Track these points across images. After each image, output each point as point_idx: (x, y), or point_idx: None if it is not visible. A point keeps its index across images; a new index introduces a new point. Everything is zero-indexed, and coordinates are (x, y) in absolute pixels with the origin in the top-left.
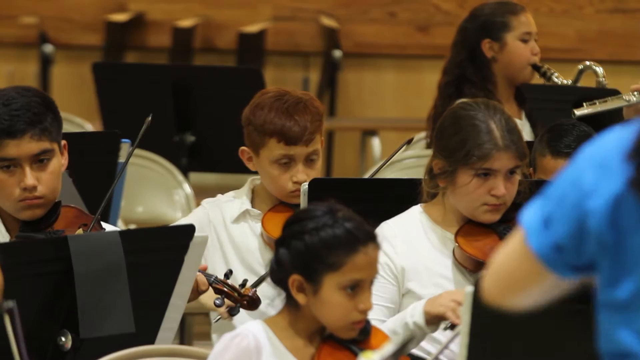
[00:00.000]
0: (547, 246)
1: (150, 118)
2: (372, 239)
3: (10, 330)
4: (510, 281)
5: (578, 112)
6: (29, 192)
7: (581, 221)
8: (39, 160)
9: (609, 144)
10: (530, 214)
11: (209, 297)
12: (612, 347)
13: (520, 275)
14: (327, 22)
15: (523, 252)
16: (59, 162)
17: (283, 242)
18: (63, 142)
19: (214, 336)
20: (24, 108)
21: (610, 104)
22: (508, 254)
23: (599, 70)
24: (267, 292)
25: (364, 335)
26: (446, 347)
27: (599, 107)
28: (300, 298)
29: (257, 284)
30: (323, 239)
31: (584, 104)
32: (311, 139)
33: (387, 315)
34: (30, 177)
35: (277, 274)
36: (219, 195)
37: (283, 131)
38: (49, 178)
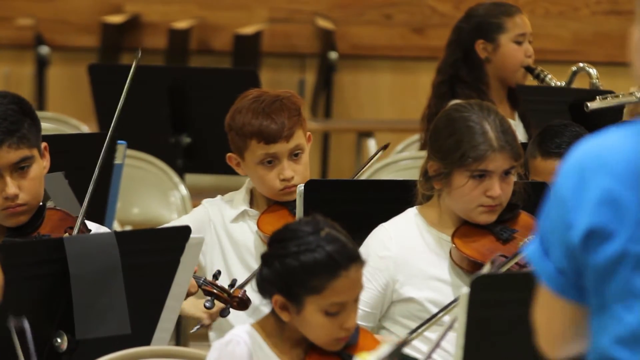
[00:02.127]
0: (553, 274)
1: (140, 53)
2: (354, 260)
3: (19, 348)
4: (551, 331)
5: (591, 105)
6: (11, 200)
7: (567, 239)
8: (20, 167)
9: (586, 152)
10: (532, 247)
11: (190, 306)
12: (594, 353)
13: (554, 320)
14: (323, 23)
15: (545, 295)
16: (40, 166)
17: (267, 260)
18: (43, 144)
19: (211, 334)
20: (0, 118)
21: (622, 100)
22: (539, 306)
23: (593, 71)
24: None
25: (352, 342)
26: (438, 345)
27: (611, 102)
28: (284, 316)
29: (244, 284)
30: (303, 264)
31: (597, 97)
32: (291, 135)
33: (365, 320)
34: (11, 186)
35: (262, 289)
36: (219, 196)
37: (261, 130)
38: (31, 184)
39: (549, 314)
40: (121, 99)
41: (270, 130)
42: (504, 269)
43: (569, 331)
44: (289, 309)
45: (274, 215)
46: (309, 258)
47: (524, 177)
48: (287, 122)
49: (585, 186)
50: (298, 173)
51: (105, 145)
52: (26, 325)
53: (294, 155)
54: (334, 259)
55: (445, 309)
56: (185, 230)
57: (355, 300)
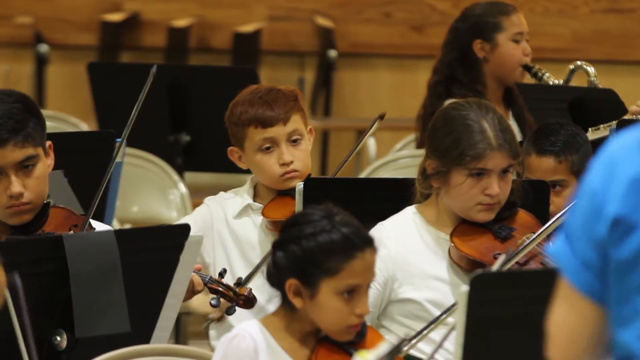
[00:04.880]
0: (578, 269)
1: (154, 69)
2: (369, 243)
3: (12, 306)
4: (568, 335)
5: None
6: (15, 199)
7: (595, 231)
8: (24, 166)
9: (617, 144)
10: (557, 244)
11: (198, 303)
12: (617, 349)
13: (574, 321)
14: (322, 22)
15: (567, 293)
16: (45, 165)
17: (280, 245)
18: (48, 142)
19: (211, 332)
20: (6, 116)
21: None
22: (558, 307)
23: (591, 70)
24: (267, 287)
25: (360, 337)
26: (441, 346)
27: (603, 132)
28: (296, 302)
29: (249, 277)
30: (320, 245)
31: (590, 129)
32: (287, 118)
33: None
34: (16, 184)
35: (274, 276)
36: (221, 193)
37: (257, 116)
38: (36, 183)
39: (568, 313)
40: (135, 108)
41: (267, 115)
42: (514, 260)
43: (587, 335)
44: (303, 293)
45: (279, 203)
46: (326, 239)
47: (520, 175)
48: (283, 107)
49: (614, 177)
50: (298, 158)
51: (118, 147)
52: (18, 281)
53: (293, 140)
54: (351, 240)
55: (448, 310)
56: (184, 228)
57: (368, 286)
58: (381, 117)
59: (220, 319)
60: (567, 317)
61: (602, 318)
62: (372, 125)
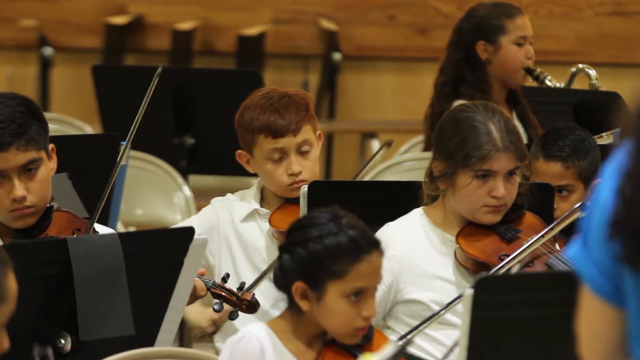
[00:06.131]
0: (597, 278)
1: (160, 70)
2: (375, 246)
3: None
4: (597, 338)
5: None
6: (18, 202)
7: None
8: (27, 169)
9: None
10: (575, 250)
11: (195, 315)
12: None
13: (599, 326)
14: (327, 24)
15: (589, 299)
16: (48, 168)
17: (287, 248)
18: (51, 145)
19: (216, 335)
20: (8, 120)
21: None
22: (583, 312)
23: (592, 72)
24: (272, 291)
25: (367, 340)
26: (451, 350)
27: (606, 139)
28: (303, 305)
29: (253, 284)
30: (327, 248)
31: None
32: (298, 129)
33: None
34: (19, 188)
35: (281, 279)
36: (229, 195)
37: (268, 125)
38: (39, 187)
39: (591, 317)
40: (140, 110)
41: (278, 124)
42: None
43: (611, 336)
44: (310, 296)
45: (286, 212)
46: (332, 241)
47: (527, 178)
48: (294, 116)
49: None
50: (306, 168)
51: (123, 149)
52: (50, 353)
53: (303, 150)
54: (357, 242)
55: (447, 306)
56: (188, 231)
57: (375, 289)
58: (388, 144)
59: (214, 333)
60: (590, 321)
61: (623, 319)
62: (378, 152)
